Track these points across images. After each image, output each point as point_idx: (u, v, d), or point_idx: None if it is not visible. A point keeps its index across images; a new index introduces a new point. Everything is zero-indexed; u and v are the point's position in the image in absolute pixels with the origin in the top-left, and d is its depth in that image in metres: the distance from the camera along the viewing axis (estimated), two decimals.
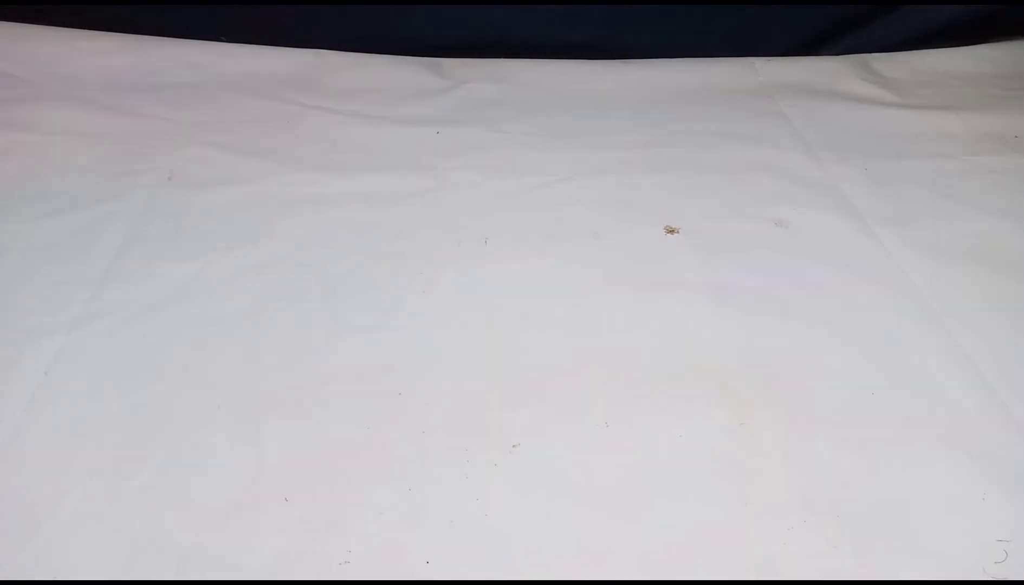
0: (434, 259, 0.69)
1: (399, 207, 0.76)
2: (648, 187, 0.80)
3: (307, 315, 0.63)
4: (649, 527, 0.47)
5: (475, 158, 0.85)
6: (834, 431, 0.54)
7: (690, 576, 0.45)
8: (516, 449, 0.52)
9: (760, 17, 1.06)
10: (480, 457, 0.51)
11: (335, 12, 1.03)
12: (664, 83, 1.02)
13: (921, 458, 0.52)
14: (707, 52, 1.08)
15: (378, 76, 1.02)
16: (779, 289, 0.66)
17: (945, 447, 0.53)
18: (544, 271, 0.68)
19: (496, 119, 0.93)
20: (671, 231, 0.73)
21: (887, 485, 0.50)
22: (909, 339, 0.62)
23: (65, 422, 0.53)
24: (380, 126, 0.90)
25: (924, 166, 0.85)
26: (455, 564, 0.45)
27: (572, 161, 0.84)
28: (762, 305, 0.65)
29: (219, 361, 0.58)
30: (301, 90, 0.97)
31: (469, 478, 0.50)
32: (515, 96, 0.98)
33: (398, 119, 0.92)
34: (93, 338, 0.60)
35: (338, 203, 0.76)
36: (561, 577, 0.45)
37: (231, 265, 0.67)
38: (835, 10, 1.08)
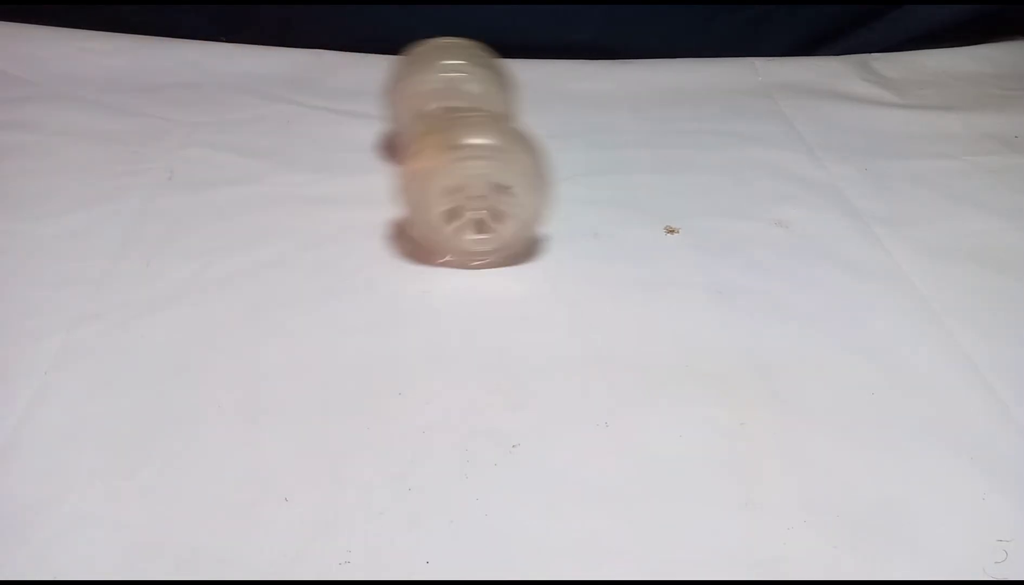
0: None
1: (399, 207, 0.76)
2: (648, 187, 0.80)
3: (307, 315, 0.63)
4: (649, 527, 0.47)
5: None
6: (834, 431, 0.54)
7: (690, 576, 0.45)
8: (516, 449, 0.52)
9: (760, 17, 1.07)
10: (480, 457, 0.51)
11: (335, 12, 1.03)
12: (664, 83, 1.02)
13: (921, 458, 0.52)
14: (707, 52, 1.08)
15: (378, 76, 1.01)
16: (779, 289, 0.66)
17: (945, 447, 0.53)
18: (544, 271, 0.68)
19: None
20: (671, 231, 0.73)
21: (887, 485, 0.50)
22: (909, 339, 0.62)
23: (65, 422, 0.53)
24: (380, 126, 0.90)
25: (924, 166, 0.85)
26: (455, 564, 0.45)
27: (572, 161, 0.84)
28: (762, 305, 0.65)
29: (219, 361, 0.58)
30: (301, 90, 0.97)
31: (469, 478, 0.50)
32: None
33: None
34: (93, 338, 0.60)
35: (338, 203, 0.76)
36: (561, 577, 0.45)
37: (231, 265, 0.67)
38: (835, 10, 1.08)
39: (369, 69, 1.03)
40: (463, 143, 0.62)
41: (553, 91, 1.00)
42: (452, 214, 0.65)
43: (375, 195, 0.78)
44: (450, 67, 0.76)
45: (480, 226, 0.66)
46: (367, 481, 0.50)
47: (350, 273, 0.67)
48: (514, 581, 0.44)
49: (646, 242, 0.72)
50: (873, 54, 1.10)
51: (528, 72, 1.03)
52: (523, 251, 0.70)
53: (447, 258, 0.68)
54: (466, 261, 0.68)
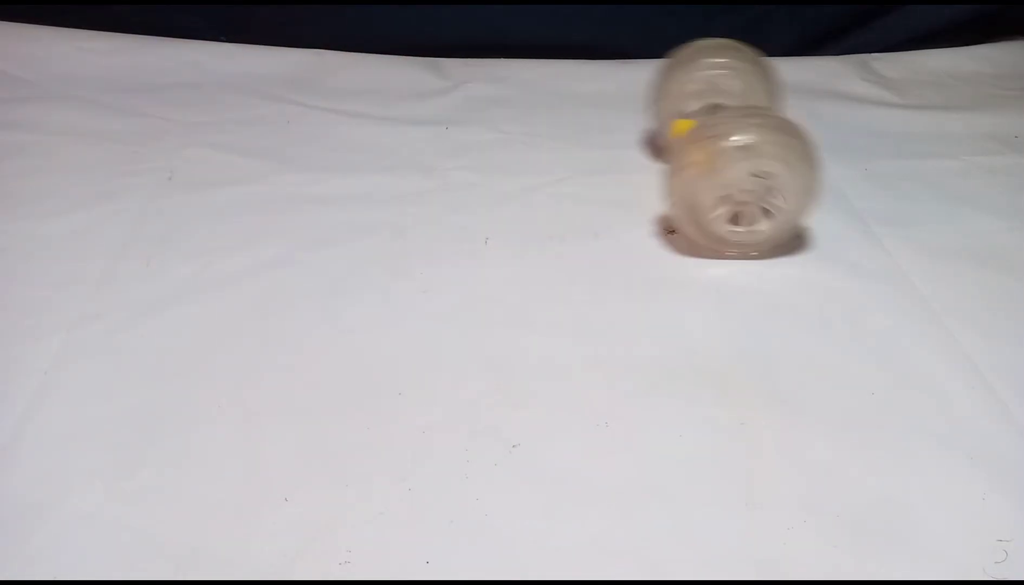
0: (434, 259, 0.69)
1: (399, 207, 0.76)
2: (648, 187, 0.80)
3: (307, 315, 0.63)
4: (649, 527, 0.47)
5: (475, 158, 0.85)
6: (834, 431, 0.54)
7: (690, 576, 0.45)
8: (516, 449, 0.52)
9: (760, 17, 1.07)
10: (480, 457, 0.51)
11: (335, 12, 1.03)
12: None
13: (921, 458, 0.52)
14: None
15: (378, 76, 1.02)
16: (779, 289, 0.66)
17: (945, 447, 0.53)
18: (544, 271, 0.68)
19: (496, 119, 0.93)
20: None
21: (887, 485, 0.50)
22: (909, 339, 0.62)
23: (65, 422, 0.53)
24: (380, 126, 0.90)
25: (924, 166, 0.85)
26: (455, 564, 0.45)
27: (572, 161, 0.85)
28: (762, 305, 0.65)
29: (219, 361, 0.58)
30: (301, 90, 0.97)
31: (469, 478, 0.50)
32: (515, 96, 0.98)
33: (398, 119, 0.92)
34: (93, 338, 0.60)
35: (338, 203, 0.76)
36: (561, 577, 0.45)
37: (231, 265, 0.67)
38: (835, 10, 1.08)
39: (369, 69, 1.03)
40: (731, 138, 0.64)
41: (553, 91, 1.00)
42: (721, 209, 0.67)
43: (375, 195, 0.78)
44: (713, 65, 0.78)
45: (748, 219, 0.67)
46: (367, 481, 0.50)
47: (350, 273, 0.67)
48: (514, 581, 0.44)
49: (646, 242, 0.72)
50: (873, 54, 1.10)
51: (528, 72, 1.04)
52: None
53: (719, 252, 0.69)
54: (734, 254, 0.69)
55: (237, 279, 0.66)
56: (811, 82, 1.03)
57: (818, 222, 0.75)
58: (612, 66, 1.05)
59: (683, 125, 0.73)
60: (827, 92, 1.01)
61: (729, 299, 0.65)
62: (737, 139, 0.64)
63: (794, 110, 0.96)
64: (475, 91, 0.99)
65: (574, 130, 0.91)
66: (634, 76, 1.03)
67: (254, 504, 0.48)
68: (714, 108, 0.76)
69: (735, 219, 0.67)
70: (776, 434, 0.53)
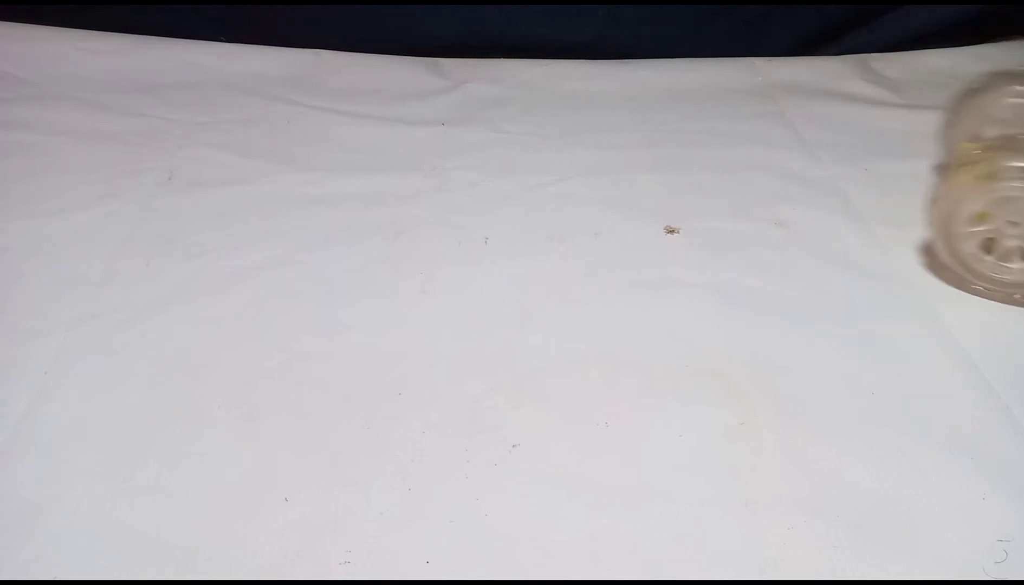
0: (434, 259, 0.69)
1: (399, 207, 0.76)
2: (648, 187, 0.80)
3: (307, 315, 0.63)
4: (649, 527, 0.47)
5: (475, 158, 0.85)
6: (834, 431, 0.54)
7: (690, 576, 0.45)
8: (516, 449, 0.52)
9: (760, 17, 1.06)
10: (480, 457, 0.51)
11: (335, 12, 1.03)
12: (664, 83, 1.02)
13: (921, 458, 0.52)
14: (707, 52, 1.08)
15: (378, 76, 1.02)
16: (779, 289, 0.66)
17: (945, 447, 0.53)
18: (544, 271, 0.68)
19: (496, 119, 0.93)
20: (671, 231, 0.73)
21: (887, 485, 0.50)
22: (909, 339, 0.62)
23: (65, 422, 0.53)
24: (380, 126, 0.90)
25: (924, 166, 0.85)
26: (455, 564, 0.45)
27: (572, 161, 0.84)
28: (762, 305, 0.65)
29: (219, 361, 0.58)
30: (301, 90, 0.97)
31: (469, 478, 0.50)
32: (515, 96, 0.98)
33: (398, 119, 0.92)
34: (93, 338, 0.60)
35: (338, 203, 0.76)
36: (561, 577, 0.45)
37: (231, 265, 0.67)
38: (835, 10, 1.08)
39: (369, 69, 1.03)
40: (998, 166, 0.60)
41: (553, 91, 1.00)
42: (986, 242, 0.63)
43: (375, 195, 0.78)
44: (1021, 93, 0.72)
45: (1004, 254, 0.62)
46: (367, 481, 0.50)
47: (350, 273, 0.67)
48: (514, 581, 0.44)
49: (646, 242, 0.72)
50: (873, 54, 1.09)
51: (528, 72, 1.04)
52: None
53: (980, 287, 0.65)
54: (1004, 293, 0.64)
55: (237, 279, 0.66)
56: (811, 82, 1.03)
57: (818, 222, 0.75)
58: (612, 66, 1.05)
59: (969, 147, 0.67)
60: (827, 92, 1.01)
61: (729, 299, 0.65)
62: (1005, 163, 0.59)
63: (794, 110, 0.96)
64: (475, 91, 0.99)
65: (574, 130, 0.91)
66: (634, 76, 1.03)
67: (254, 504, 0.48)
68: (1010, 138, 0.68)
69: (1007, 254, 0.62)
70: (776, 434, 0.53)
